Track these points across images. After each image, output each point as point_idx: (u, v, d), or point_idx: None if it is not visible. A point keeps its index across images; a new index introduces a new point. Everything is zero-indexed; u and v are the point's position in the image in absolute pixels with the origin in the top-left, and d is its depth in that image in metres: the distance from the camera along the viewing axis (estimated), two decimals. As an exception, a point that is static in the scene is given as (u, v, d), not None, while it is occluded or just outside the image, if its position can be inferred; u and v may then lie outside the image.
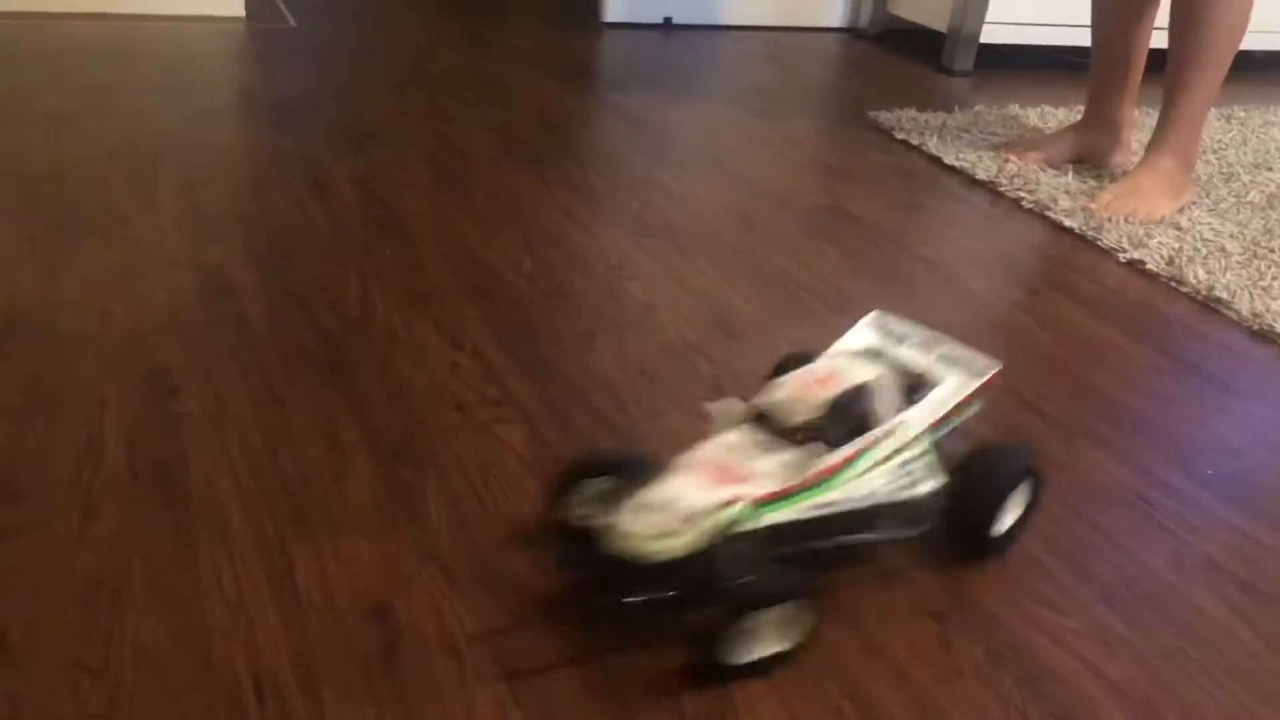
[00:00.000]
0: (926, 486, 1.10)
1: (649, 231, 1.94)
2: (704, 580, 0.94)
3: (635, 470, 1.03)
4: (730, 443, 1.05)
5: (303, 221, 1.85)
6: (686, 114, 2.69)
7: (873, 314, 1.24)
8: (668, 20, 3.58)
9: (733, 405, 1.09)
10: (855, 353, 1.17)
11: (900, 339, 1.21)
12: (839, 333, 1.21)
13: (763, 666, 0.97)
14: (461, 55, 3.04)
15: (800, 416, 1.04)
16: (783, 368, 1.17)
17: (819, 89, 3.22)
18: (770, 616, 0.95)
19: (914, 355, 1.18)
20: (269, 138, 2.23)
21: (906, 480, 1.09)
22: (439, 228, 1.88)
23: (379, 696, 0.92)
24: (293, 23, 3.17)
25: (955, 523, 1.13)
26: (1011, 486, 1.15)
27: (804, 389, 1.06)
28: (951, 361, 1.17)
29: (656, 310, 1.66)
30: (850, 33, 3.77)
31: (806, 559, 1.02)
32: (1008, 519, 1.16)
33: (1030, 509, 1.19)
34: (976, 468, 1.14)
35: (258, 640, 0.97)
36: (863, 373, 1.08)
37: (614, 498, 1.00)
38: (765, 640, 0.96)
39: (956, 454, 1.13)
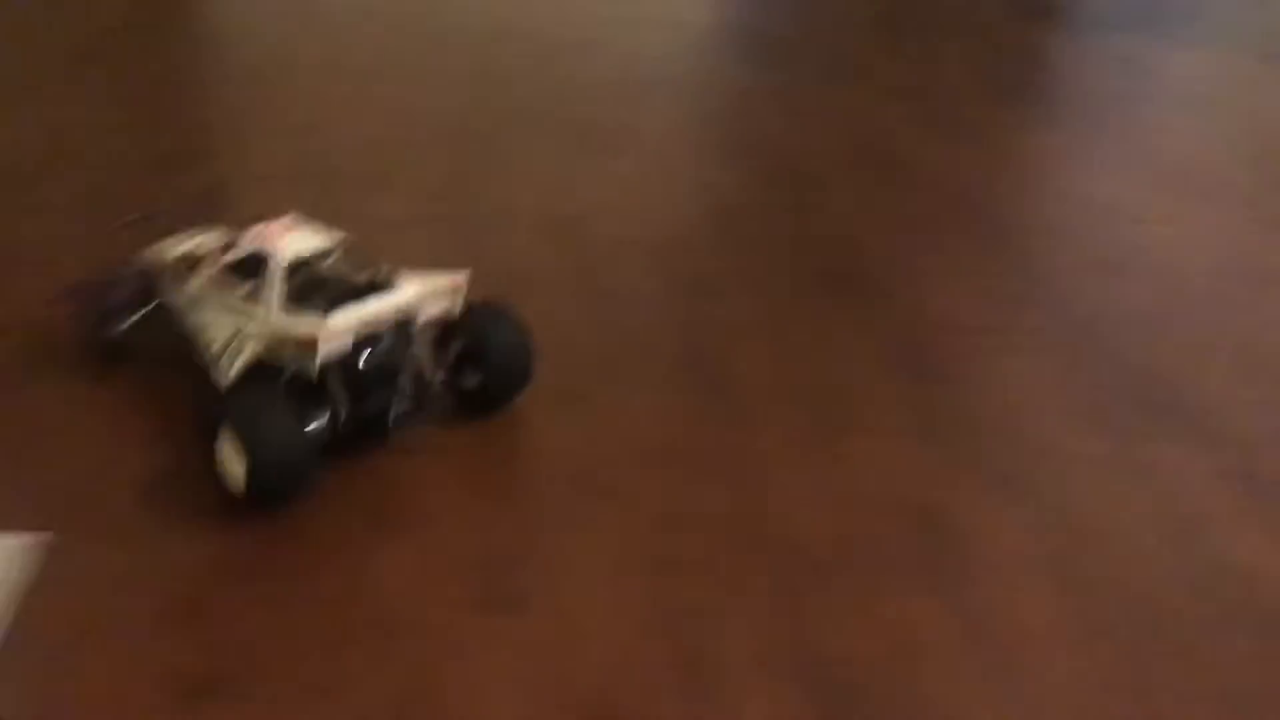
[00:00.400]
0: (223, 367, 1.10)
1: (1158, 177, 1.85)
2: None
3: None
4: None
5: (796, 151, 1.93)
6: (1182, 55, 2.51)
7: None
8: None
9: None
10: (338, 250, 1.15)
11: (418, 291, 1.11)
12: None
13: None
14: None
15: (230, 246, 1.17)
16: None
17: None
18: None
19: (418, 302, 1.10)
20: (754, 70, 2.34)
21: (220, 346, 1.12)
22: (929, 164, 1.89)
23: (932, 585, 0.98)
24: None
25: None
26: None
27: (278, 228, 1.14)
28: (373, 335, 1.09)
29: (1169, 255, 1.59)
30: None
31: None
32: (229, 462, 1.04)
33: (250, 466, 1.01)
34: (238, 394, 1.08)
35: (807, 516, 1.05)
36: (313, 246, 1.12)
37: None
38: None
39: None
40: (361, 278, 1.11)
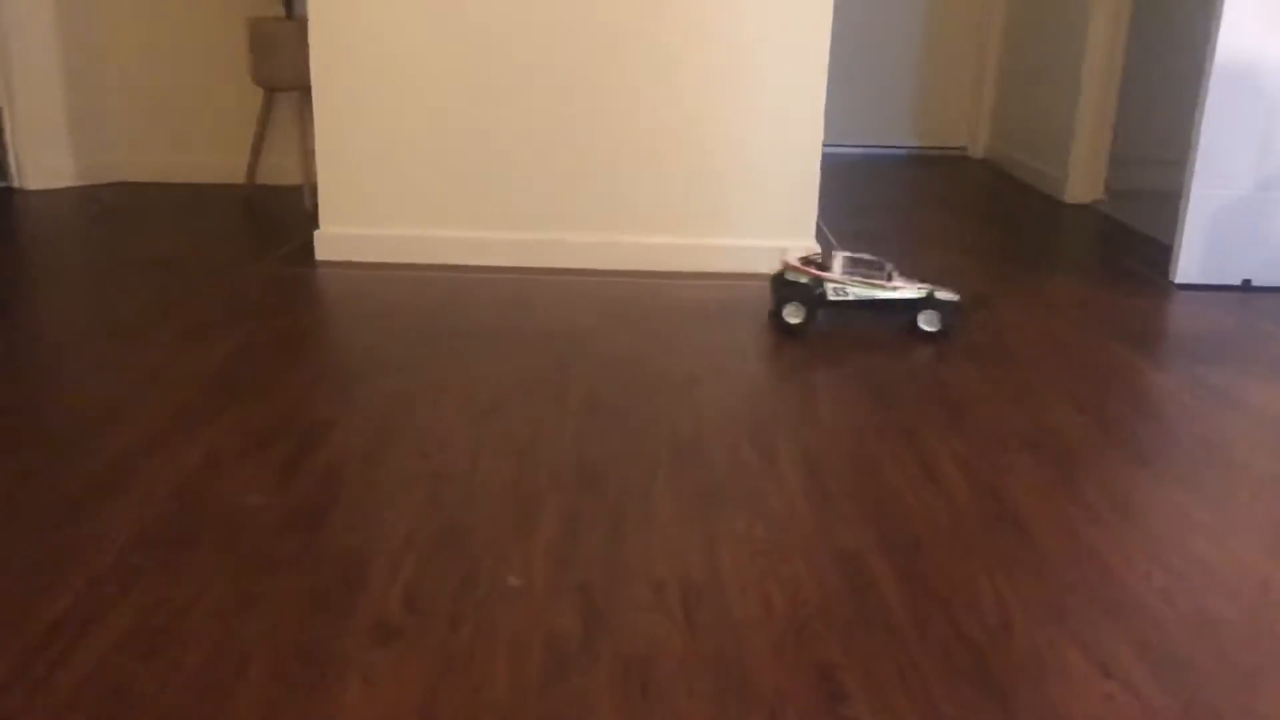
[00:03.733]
0: None
1: (1290, 549, 1.79)
2: None
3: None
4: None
5: (920, 508, 1.92)
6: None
7: None
8: (1246, 283, 3.38)
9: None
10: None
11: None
12: None
13: None
14: (1027, 317, 3.06)
15: None
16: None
17: None
18: None
19: None
20: (867, 411, 2.36)
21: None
22: (1055, 525, 1.86)
23: None
24: (863, 282, 3.38)
25: None
26: None
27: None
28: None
29: (1324, 654, 1.51)
30: None
31: None
32: None
33: None
34: None
35: None
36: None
37: None
38: None
39: None
40: None
